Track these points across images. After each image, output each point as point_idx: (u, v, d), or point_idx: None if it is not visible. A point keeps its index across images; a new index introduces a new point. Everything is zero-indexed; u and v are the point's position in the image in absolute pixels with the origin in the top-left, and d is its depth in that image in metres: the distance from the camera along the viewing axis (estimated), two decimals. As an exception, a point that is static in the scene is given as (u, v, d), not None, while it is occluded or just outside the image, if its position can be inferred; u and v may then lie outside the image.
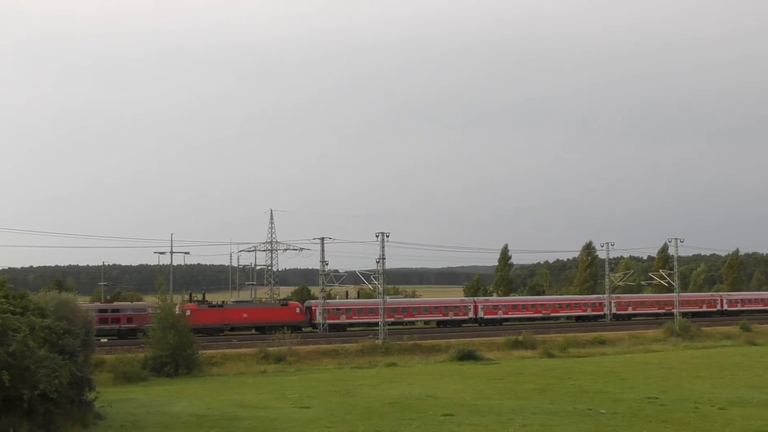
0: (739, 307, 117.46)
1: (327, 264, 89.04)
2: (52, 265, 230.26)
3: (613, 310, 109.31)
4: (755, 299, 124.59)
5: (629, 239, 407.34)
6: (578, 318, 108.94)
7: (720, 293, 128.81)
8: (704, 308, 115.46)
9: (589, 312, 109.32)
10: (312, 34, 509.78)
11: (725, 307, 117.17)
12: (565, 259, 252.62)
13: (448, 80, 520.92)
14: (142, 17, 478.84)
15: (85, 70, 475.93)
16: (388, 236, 76.07)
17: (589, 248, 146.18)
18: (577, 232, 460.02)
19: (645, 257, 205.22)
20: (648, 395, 41.12)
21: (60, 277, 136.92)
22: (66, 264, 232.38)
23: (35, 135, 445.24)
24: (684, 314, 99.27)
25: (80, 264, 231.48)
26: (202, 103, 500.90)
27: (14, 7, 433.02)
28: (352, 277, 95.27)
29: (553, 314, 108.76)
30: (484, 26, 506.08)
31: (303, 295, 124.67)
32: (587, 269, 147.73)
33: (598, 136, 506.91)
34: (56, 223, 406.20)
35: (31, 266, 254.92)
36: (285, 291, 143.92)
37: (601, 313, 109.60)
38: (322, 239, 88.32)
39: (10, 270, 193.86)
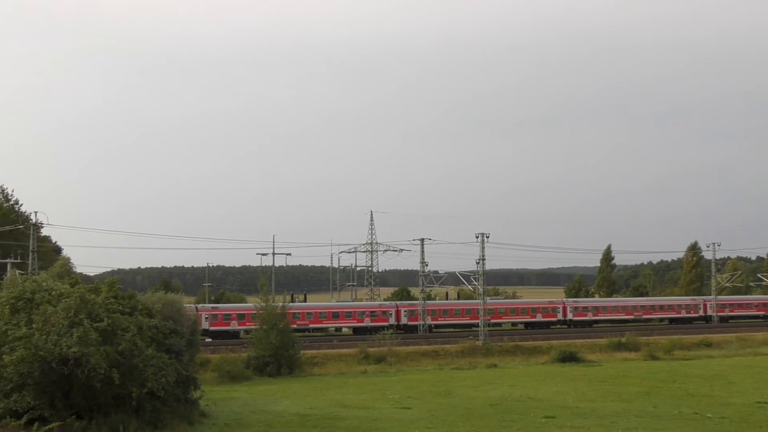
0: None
1: (427, 265, 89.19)
2: (159, 266, 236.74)
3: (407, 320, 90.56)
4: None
5: (738, 240, 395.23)
6: None
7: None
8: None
9: None
10: (404, 31, 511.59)
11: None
12: (669, 260, 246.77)
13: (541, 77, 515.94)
14: (233, 18, 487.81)
15: (178, 67, 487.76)
16: (488, 237, 75.87)
17: (694, 248, 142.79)
18: (682, 232, 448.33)
19: (754, 258, 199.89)
20: (758, 400, 39.72)
21: (166, 278, 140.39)
22: (172, 265, 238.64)
23: (131, 134, 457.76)
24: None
25: (185, 265, 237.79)
26: (297, 99, 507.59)
27: (102, 7, 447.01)
28: (452, 278, 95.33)
29: None
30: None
31: (402, 295, 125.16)
32: (692, 270, 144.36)
33: (709, 133, 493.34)
34: (161, 225, 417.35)
35: (139, 267, 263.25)
36: (385, 292, 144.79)
37: None
38: (422, 240, 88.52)
39: (120, 271, 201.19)
